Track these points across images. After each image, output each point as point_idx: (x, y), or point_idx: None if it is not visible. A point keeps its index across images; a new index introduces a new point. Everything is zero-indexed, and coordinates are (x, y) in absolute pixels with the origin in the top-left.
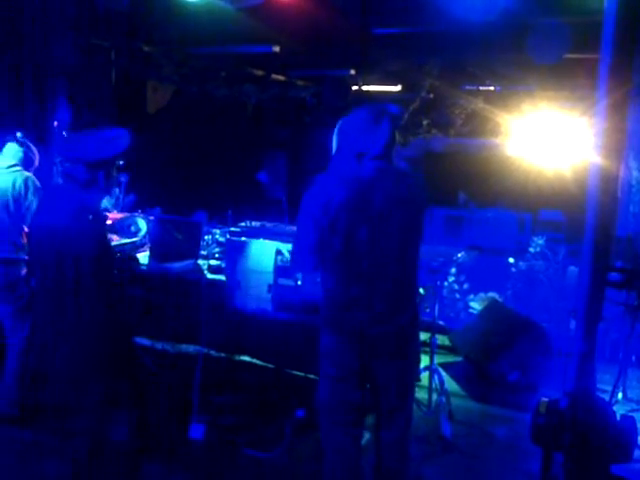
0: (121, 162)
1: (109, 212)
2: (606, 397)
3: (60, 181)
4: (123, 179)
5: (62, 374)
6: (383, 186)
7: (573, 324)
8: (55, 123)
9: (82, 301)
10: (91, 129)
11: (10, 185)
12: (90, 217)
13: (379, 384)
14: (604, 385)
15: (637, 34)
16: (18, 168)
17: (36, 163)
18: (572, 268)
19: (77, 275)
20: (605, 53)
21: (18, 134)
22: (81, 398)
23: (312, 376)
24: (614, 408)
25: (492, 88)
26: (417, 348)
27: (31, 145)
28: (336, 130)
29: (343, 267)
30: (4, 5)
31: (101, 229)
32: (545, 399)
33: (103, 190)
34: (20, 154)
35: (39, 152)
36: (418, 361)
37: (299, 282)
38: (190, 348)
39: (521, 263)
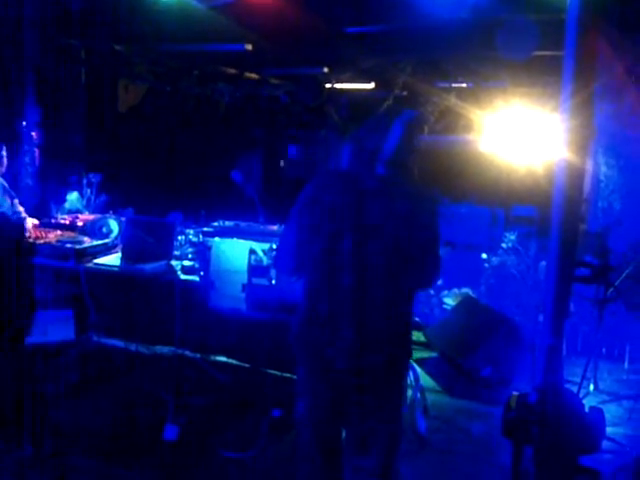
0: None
1: (80, 213)
2: (576, 389)
3: (30, 182)
4: (94, 179)
5: None
6: (382, 196)
7: (541, 318)
8: (24, 123)
9: None
10: None
11: None
12: None
13: (352, 422)
14: (575, 378)
15: (600, 33)
16: None
17: (4, 164)
18: (543, 263)
19: None
20: (568, 52)
21: None
22: None
23: (288, 375)
24: (585, 400)
25: (464, 85)
26: (399, 393)
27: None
28: (351, 137)
29: (317, 277)
30: None
31: None
32: (515, 394)
33: None
34: None
35: (7, 152)
36: (399, 407)
37: (273, 281)
38: (164, 349)
39: (494, 258)
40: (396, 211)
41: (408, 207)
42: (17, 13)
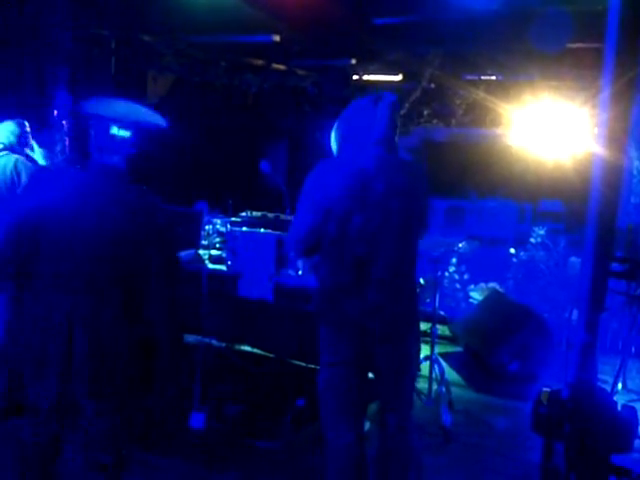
0: None
1: None
2: (607, 387)
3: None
4: None
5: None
6: (383, 174)
7: (575, 314)
8: (55, 112)
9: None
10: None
11: (2, 170)
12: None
13: (379, 370)
14: (604, 375)
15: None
16: (6, 152)
17: (29, 144)
18: (573, 259)
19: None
20: (610, 39)
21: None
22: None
23: (313, 366)
24: (614, 398)
25: (493, 78)
26: (417, 335)
27: (26, 125)
28: (337, 121)
29: (336, 253)
30: None
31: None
32: (547, 389)
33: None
34: (12, 136)
35: (39, 141)
36: (418, 349)
37: (300, 272)
38: (191, 338)
39: (522, 253)
40: (396, 186)
41: (405, 181)
42: (49, 4)
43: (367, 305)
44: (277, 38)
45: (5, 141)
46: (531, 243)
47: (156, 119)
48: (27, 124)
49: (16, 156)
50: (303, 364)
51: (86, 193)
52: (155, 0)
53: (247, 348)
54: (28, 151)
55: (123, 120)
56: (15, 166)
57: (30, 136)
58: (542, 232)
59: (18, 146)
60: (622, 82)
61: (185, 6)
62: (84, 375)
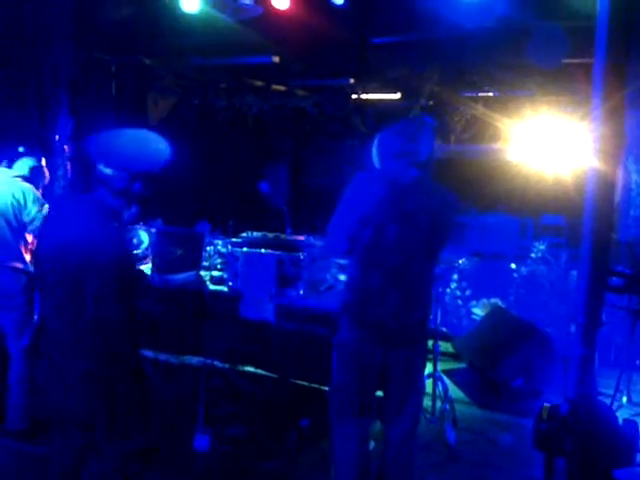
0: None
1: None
2: (609, 402)
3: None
4: None
5: (76, 388)
6: (418, 193)
7: (573, 329)
8: (57, 136)
9: (103, 311)
10: (127, 130)
11: (9, 194)
12: (116, 225)
13: (391, 376)
14: (609, 390)
15: (630, 40)
16: (19, 179)
17: (46, 176)
18: (574, 273)
19: (101, 285)
20: (598, 59)
21: (20, 149)
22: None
23: (316, 385)
24: (618, 413)
25: (491, 94)
26: (425, 347)
27: (42, 160)
28: (379, 137)
29: (369, 258)
30: (6, 19)
31: (125, 238)
32: (547, 405)
33: (132, 199)
34: (27, 168)
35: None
36: (424, 363)
37: (301, 292)
38: (194, 359)
39: (523, 268)
40: (429, 206)
41: (436, 202)
42: (50, 29)
43: (390, 309)
44: (276, 59)
45: (21, 173)
46: (532, 258)
47: (157, 158)
48: (44, 159)
49: (26, 184)
50: (306, 384)
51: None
52: (155, 23)
53: (250, 369)
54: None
55: (125, 168)
56: (23, 192)
57: (44, 169)
58: (543, 247)
59: (31, 177)
60: (615, 99)
61: (185, 29)
62: None
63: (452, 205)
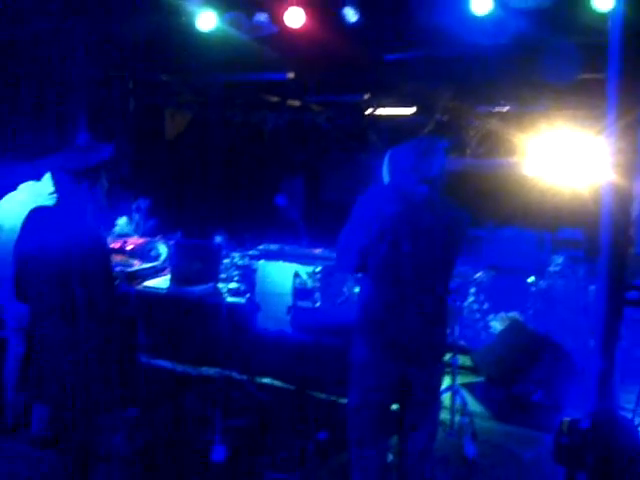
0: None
1: (129, 237)
2: (631, 416)
3: None
4: (143, 205)
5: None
6: (432, 209)
7: (592, 342)
8: None
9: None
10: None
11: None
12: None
13: (410, 391)
14: (630, 404)
15: None
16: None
17: None
18: (593, 287)
19: (86, 290)
20: (612, 75)
21: None
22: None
23: (334, 398)
24: None
25: (506, 109)
26: (443, 364)
27: None
28: (390, 152)
29: (384, 273)
30: (26, 39)
31: (103, 243)
32: (567, 419)
33: (90, 201)
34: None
35: None
36: (444, 372)
37: (318, 304)
38: (211, 371)
39: (541, 282)
40: (442, 222)
41: (450, 219)
42: (69, 47)
43: (407, 326)
44: (292, 75)
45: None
46: (550, 272)
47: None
48: None
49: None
50: (324, 396)
51: None
52: (173, 41)
53: (268, 380)
54: None
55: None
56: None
57: None
58: (560, 260)
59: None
60: (630, 114)
61: (202, 46)
62: None
63: (464, 220)
